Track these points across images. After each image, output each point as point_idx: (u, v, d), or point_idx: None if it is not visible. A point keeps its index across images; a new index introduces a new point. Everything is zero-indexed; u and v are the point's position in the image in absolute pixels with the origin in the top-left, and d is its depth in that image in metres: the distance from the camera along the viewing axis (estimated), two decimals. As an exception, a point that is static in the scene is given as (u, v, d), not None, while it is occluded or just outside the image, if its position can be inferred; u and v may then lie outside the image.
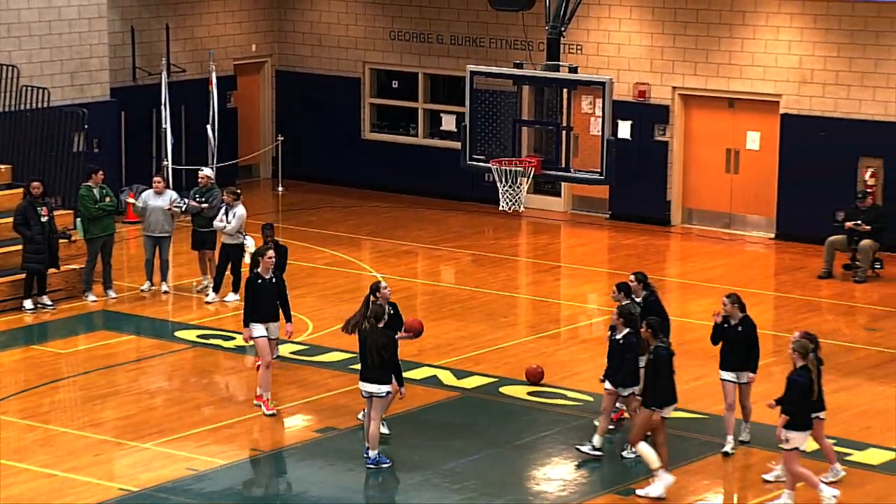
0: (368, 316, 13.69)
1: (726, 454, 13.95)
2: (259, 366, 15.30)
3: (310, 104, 25.73)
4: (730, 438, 14.01)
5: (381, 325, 13.61)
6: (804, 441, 12.77)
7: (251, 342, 15.15)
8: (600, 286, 20.21)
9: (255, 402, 15.13)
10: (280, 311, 15.16)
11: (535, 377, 15.68)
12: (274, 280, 15.00)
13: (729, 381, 14.01)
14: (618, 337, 13.77)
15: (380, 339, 13.50)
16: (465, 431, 14.59)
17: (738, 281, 20.10)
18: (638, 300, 14.36)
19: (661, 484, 13.00)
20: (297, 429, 14.79)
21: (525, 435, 14.75)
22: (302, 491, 13.50)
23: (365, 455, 13.62)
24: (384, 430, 14.17)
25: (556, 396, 15.50)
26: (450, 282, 20.45)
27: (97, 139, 22.73)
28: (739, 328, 13.98)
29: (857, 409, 15.31)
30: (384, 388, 13.56)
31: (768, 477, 13.32)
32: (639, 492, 13.05)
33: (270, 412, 14.89)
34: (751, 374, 14.09)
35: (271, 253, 15.04)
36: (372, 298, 14.17)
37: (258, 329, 14.91)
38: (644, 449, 13.12)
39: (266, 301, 14.91)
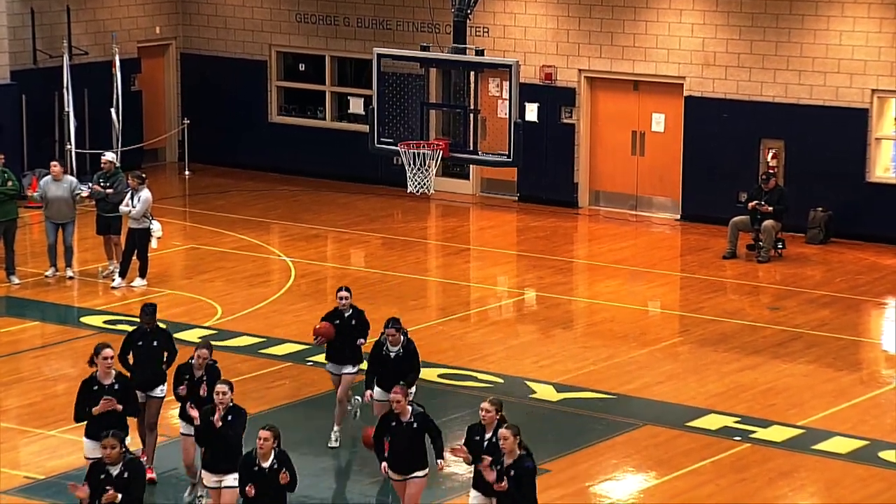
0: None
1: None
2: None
3: (216, 87, 25.50)
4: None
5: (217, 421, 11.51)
6: None
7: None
8: (509, 268, 20.31)
9: None
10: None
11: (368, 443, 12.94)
12: (117, 387, 11.86)
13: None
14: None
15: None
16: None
17: (645, 262, 20.33)
18: (396, 349, 13.48)
19: None
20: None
21: (436, 417, 14.76)
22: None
23: None
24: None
25: (466, 378, 15.55)
26: (359, 265, 20.41)
27: (-3, 123, 22.32)
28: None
29: (762, 387, 15.56)
30: None
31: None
32: None
33: None
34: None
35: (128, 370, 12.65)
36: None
37: (88, 448, 11.92)
38: None
39: (106, 413, 11.73)
